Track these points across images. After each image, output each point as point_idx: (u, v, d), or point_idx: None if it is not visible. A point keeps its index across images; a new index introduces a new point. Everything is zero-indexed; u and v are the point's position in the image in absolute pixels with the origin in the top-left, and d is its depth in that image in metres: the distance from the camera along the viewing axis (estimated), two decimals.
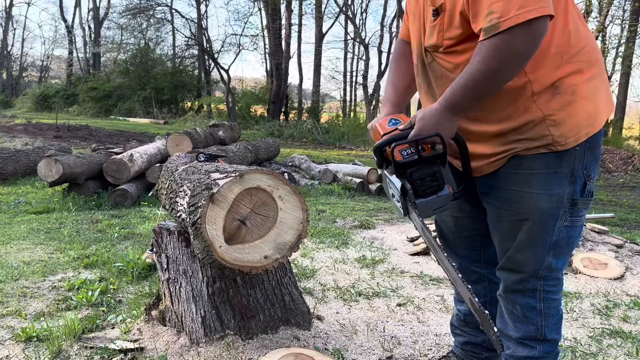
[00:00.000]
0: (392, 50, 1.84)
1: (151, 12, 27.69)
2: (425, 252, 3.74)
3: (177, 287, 2.16)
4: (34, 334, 2.22)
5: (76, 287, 2.88)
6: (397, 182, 1.49)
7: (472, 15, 1.30)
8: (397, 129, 1.52)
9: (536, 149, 1.40)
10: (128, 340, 2.13)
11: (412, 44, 1.63)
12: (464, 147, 1.47)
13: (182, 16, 28.24)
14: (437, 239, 1.86)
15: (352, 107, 26.85)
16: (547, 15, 1.22)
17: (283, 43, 22.51)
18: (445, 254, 1.48)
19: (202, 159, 3.15)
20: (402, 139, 1.45)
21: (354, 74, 27.30)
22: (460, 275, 1.45)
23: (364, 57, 20.42)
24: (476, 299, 1.39)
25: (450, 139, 1.43)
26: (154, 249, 2.34)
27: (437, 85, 1.53)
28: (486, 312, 1.36)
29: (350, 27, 24.50)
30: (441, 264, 1.50)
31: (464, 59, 1.39)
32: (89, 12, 37.68)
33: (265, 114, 22.42)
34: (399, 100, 1.72)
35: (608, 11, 16.94)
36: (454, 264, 1.82)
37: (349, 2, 21.17)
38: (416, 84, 1.67)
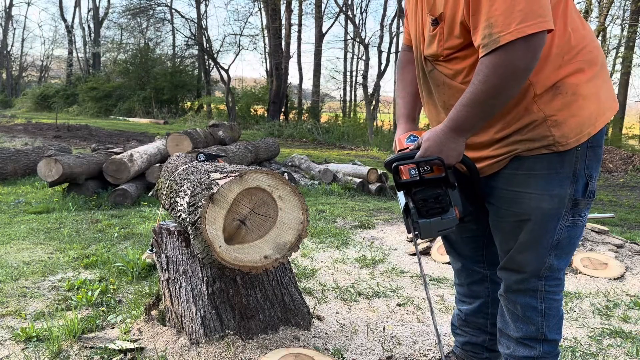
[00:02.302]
0: (398, 59, 1.83)
1: (151, 12, 27.71)
2: (425, 252, 3.74)
3: (177, 287, 2.16)
4: (34, 334, 2.21)
5: (76, 287, 2.88)
6: (402, 200, 1.50)
7: (472, 27, 1.29)
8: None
9: (538, 150, 1.40)
10: (128, 340, 2.13)
11: (413, 49, 1.62)
12: (475, 170, 1.46)
13: (182, 16, 28.28)
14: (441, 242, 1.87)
15: (352, 107, 26.82)
16: (547, 29, 1.22)
17: (283, 43, 22.51)
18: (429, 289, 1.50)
19: (202, 159, 3.15)
20: (406, 159, 1.45)
21: (354, 73, 27.29)
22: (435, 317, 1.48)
23: (364, 57, 20.38)
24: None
25: (455, 161, 1.42)
26: (154, 249, 2.34)
27: (438, 93, 1.52)
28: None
29: (350, 27, 24.51)
30: (426, 290, 1.53)
31: (465, 65, 1.39)
32: (88, 12, 37.75)
33: (265, 114, 22.42)
34: (409, 110, 1.71)
35: (608, 11, 16.94)
36: (457, 265, 1.83)
37: (349, 2, 21.16)
38: (418, 89, 1.66)
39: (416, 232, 1.47)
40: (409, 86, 1.71)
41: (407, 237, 4.18)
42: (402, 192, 1.50)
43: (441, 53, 1.43)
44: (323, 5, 23.71)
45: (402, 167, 1.45)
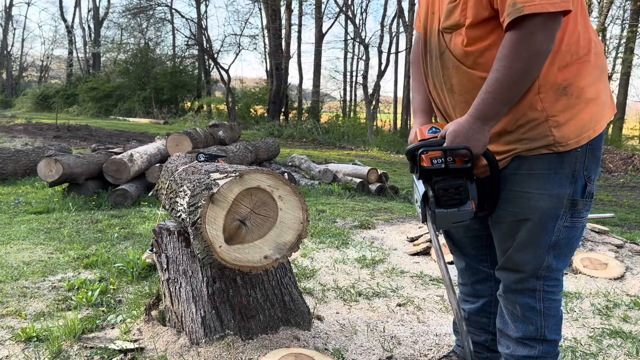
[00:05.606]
0: (411, 53, 1.82)
1: (151, 12, 27.71)
2: (425, 252, 3.74)
3: (177, 287, 2.16)
4: (34, 334, 2.21)
5: (76, 287, 2.88)
6: (421, 188, 1.50)
7: (500, 1, 1.30)
8: (434, 137, 1.52)
9: (537, 150, 1.41)
10: (128, 341, 2.13)
11: (421, 34, 1.62)
12: (495, 163, 1.45)
13: (182, 16, 28.26)
14: (444, 240, 1.86)
15: (352, 107, 26.86)
16: (565, 10, 1.25)
17: (283, 43, 22.52)
18: (447, 268, 1.49)
19: (202, 159, 3.15)
20: (431, 147, 1.45)
21: (354, 74, 27.34)
22: (457, 292, 1.46)
23: (364, 57, 20.38)
24: (463, 316, 1.45)
25: (481, 152, 1.42)
26: (154, 249, 2.34)
27: (446, 75, 1.51)
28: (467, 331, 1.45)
29: (350, 27, 24.53)
30: (442, 275, 1.52)
31: (478, 48, 1.39)
32: (88, 12, 37.75)
33: (265, 114, 22.42)
34: (427, 105, 1.70)
35: (608, 11, 16.96)
36: (461, 264, 1.83)
37: (349, 2, 21.16)
38: (422, 73, 1.65)
39: (431, 222, 1.47)
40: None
41: (407, 237, 4.19)
42: (421, 180, 1.50)
43: (463, 22, 1.41)
44: (323, 6, 23.75)
45: (424, 155, 1.45)
